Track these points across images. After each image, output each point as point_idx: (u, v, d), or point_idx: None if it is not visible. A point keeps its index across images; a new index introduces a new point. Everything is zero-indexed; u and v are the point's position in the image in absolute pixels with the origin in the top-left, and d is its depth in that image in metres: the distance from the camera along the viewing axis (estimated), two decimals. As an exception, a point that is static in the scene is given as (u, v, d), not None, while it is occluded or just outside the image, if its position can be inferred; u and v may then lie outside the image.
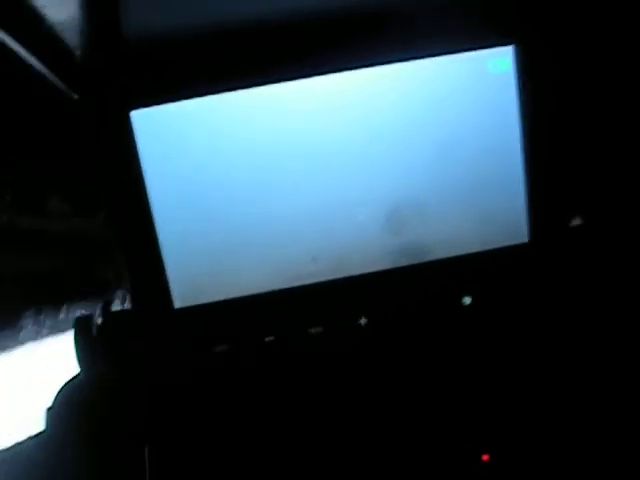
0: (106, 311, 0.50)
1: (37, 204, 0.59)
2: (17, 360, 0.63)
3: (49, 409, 0.50)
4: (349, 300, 0.50)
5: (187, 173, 0.48)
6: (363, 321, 0.50)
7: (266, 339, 0.50)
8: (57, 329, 0.64)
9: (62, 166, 0.59)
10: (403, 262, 0.50)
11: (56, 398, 0.51)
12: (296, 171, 0.49)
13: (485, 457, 0.49)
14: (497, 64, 0.48)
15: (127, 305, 0.62)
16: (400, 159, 0.49)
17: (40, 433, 0.52)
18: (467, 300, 0.51)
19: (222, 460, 0.49)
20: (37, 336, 0.62)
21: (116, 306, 0.62)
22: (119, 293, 0.62)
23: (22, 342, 0.62)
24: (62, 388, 0.51)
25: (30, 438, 0.53)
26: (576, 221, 0.52)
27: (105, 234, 0.58)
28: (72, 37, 0.43)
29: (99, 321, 0.49)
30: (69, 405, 0.50)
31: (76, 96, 0.48)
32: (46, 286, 0.63)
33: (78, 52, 0.45)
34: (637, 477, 0.47)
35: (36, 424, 0.52)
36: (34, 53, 0.42)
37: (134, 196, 0.48)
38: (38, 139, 0.54)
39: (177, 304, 0.50)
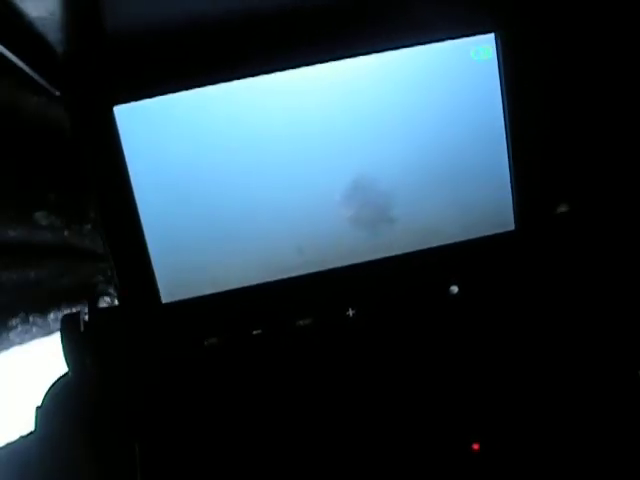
0: (93, 308, 0.50)
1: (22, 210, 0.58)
2: (7, 361, 0.63)
3: (38, 408, 0.50)
4: (336, 291, 0.50)
5: (171, 167, 0.48)
6: (351, 312, 0.50)
7: (254, 332, 0.49)
8: (46, 331, 0.64)
9: (47, 168, 0.58)
10: (389, 252, 0.50)
11: (45, 396, 0.50)
12: (279, 163, 0.49)
13: (475, 446, 0.49)
14: (480, 52, 0.48)
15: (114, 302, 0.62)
16: (383, 148, 0.49)
17: (30, 432, 0.52)
18: (454, 289, 0.51)
19: (214, 455, 0.49)
20: (26, 337, 0.62)
21: (103, 304, 0.62)
22: (107, 291, 0.62)
23: (12, 343, 0.62)
24: (51, 386, 0.51)
25: (21, 437, 0.53)
26: (562, 208, 0.52)
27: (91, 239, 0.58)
28: (52, 33, 0.42)
29: (86, 318, 0.49)
30: (58, 403, 0.50)
31: (58, 93, 0.47)
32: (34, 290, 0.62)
33: (59, 48, 0.45)
34: (627, 461, 0.47)
35: (27, 423, 0.52)
36: (13, 50, 0.42)
37: (119, 192, 0.48)
38: (19, 138, 0.54)
39: (164, 299, 0.50)
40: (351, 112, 0.48)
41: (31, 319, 0.60)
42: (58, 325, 0.49)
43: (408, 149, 0.49)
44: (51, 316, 0.61)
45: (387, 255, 0.50)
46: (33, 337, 0.61)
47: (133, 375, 0.50)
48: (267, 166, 0.48)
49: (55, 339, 0.50)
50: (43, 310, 0.60)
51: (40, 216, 0.58)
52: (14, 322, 0.59)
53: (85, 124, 0.47)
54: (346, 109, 0.48)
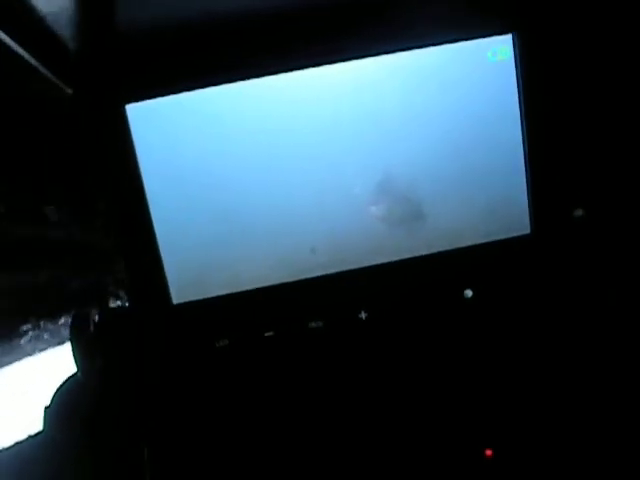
0: (103, 308, 0.50)
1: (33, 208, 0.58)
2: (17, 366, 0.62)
3: (47, 408, 0.50)
4: (349, 294, 0.50)
5: (183, 166, 0.47)
6: (363, 315, 0.50)
7: (266, 334, 0.49)
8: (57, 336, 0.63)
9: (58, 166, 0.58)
10: (403, 255, 0.50)
11: (54, 397, 0.50)
12: (293, 160, 0.48)
13: (488, 452, 0.48)
14: (496, 52, 0.48)
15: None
16: (400, 149, 0.48)
17: (39, 432, 0.51)
18: (469, 293, 0.50)
19: (223, 456, 0.49)
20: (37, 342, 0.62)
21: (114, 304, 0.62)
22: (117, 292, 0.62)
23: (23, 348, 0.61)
24: (60, 387, 0.51)
25: (30, 437, 0.53)
26: (578, 212, 0.52)
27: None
28: (64, 29, 0.42)
29: (96, 318, 0.49)
30: (67, 404, 0.50)
31: (70, 90, 0.47)
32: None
33: (71, 45, 0.44)
34: (636, 470, 0.46)
35: (35, 423, 0.51)
36: (25, 46, 0.42)
37: (130, 190, 0.47)
38: (32, 136, 0.53)
39: (175, 300, 0.49)
40: (368, 112, 0.47)
41: (42, 324, 0.59)
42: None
43: (424, 151, 0.48)
44: (62, 320, 0.60)
45: (401, 258, 0.49)
46: (44, 343, 0.60)
47: (142, 377, 0.49)
48: (281, 163, 0.48)
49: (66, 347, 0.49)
50: (54, 313, 0.60)
51: (50, 212, 0.57)
52: (25, 327, 0.59)
53: (97, 122, 0.46)
54: (363, 108, 0.47)
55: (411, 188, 0.48)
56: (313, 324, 0.49)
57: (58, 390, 0.50)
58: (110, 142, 0.46)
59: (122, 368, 0.49)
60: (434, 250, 0.49)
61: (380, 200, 0.48)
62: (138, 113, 0.46)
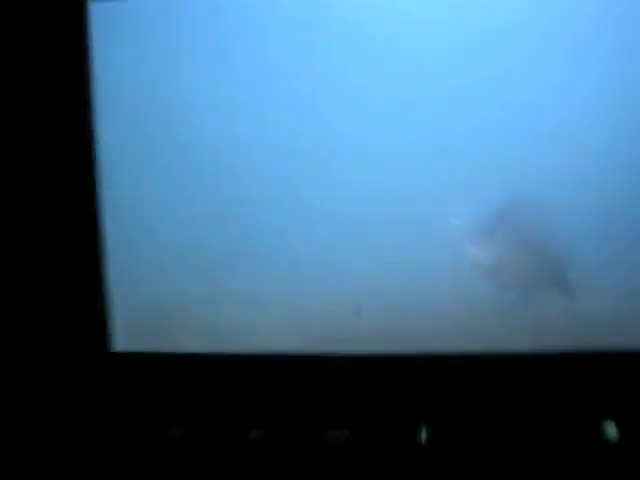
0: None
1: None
2: None
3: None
4: (405, 393, 0.29)
5: (143, 90, 0.28)
6: (423, 434, 0.29)
7: (251, 433, 0.29)
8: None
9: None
10: (513, 345, 0.28)
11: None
12: (322, 114, 0.28)
13: None
14: None
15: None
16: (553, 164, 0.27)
17: None
18: (612, 430, 0.28)
19: None
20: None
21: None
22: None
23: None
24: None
25: None
26: None
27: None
28: None
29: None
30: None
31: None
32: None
33: None
34: None
35: None
36: None
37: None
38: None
39: (117, 345, 0.30)
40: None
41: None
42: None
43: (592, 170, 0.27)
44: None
45: (508, 349, 0.28)
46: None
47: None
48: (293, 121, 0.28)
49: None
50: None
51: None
52: None
53: (57, 19, 0.28)
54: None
55: (555, 235, 0.27)
56: (334, 433, 0.29)
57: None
58: (68, 41, 0.28)
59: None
60: (574, 346, 0.28)
61: (492, 240, 0.28)
62: (102, 13, 0.28)
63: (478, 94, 0.28)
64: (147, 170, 0.30)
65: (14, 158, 0.32)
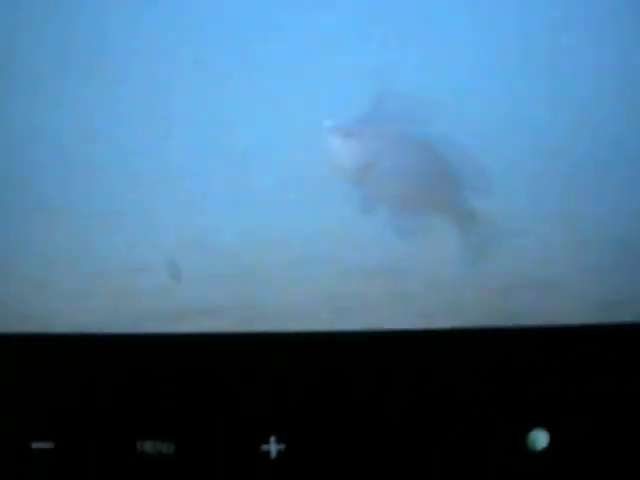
0: None
1: None
2: None
3: None
4: (249, 394, 0.21)
5: None
6: (274, 447, 0.20)
7: (35, 443, 0.21)
8: None
9: None
10: (395, 319, 0.20)
11: None
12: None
13: None
14: None
15: None
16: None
17: None
18: (540, 439, 0.20)
19: None
20: None
21: None
22: None
23: None
24: None
25: None
26: None
27: None
28: None
29: None
30: None
31: None
32: None
33: None
34: None
35: None
36: None
37: None
38: None
39: None
40: None
41: None
42: None
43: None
44: None
45: (389, 327, 0.20)
46: None
47: None
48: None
49: None
50: None
51: None
52: None
53: None
54: None
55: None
56: (148, 447, 0.20)
57: None
58: None
59: None
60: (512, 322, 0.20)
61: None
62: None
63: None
64: None
65: None
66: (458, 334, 0.20)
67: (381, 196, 0.20)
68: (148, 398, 0.20)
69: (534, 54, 0.21)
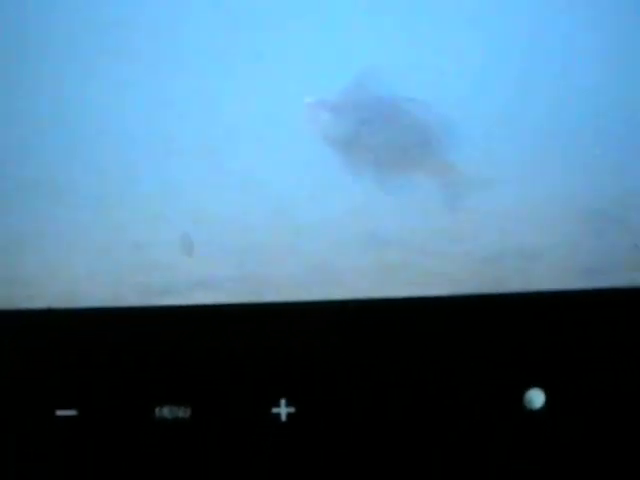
0: None
1: None
2: None
3: None
4: (257, 359, 0.22)
5: None
6: (284, 410, 0.22)
7: (60, 410, 0.22)
8: None
9: None
10: (386, 288, 0.21)
11: None
12: None
13: None
14: None
15: None
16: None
17: None
18: (536, 397, 0.21)
19: None
20: None
21: None
22: None
23: None
24: None
25: None
26: None
27: None
28: None
29: None
30: None
31: None
32: None
33: None
34: None
35: None
36: None
37: None
38: None
39: None
40: None
41: None
42: None
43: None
44: None
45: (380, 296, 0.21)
46: None
47: None
48: None
49: None
50: None
51: None
52: None
53: None
54: None
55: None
56: (165, 412, 0.22)
57: None
58: None
59: None
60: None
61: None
62: None
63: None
64: None
65: None
66: (454, 301, 0.22)
67: (368, 160, 0.21)
68: (165, 367, 0.22)
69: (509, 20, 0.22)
